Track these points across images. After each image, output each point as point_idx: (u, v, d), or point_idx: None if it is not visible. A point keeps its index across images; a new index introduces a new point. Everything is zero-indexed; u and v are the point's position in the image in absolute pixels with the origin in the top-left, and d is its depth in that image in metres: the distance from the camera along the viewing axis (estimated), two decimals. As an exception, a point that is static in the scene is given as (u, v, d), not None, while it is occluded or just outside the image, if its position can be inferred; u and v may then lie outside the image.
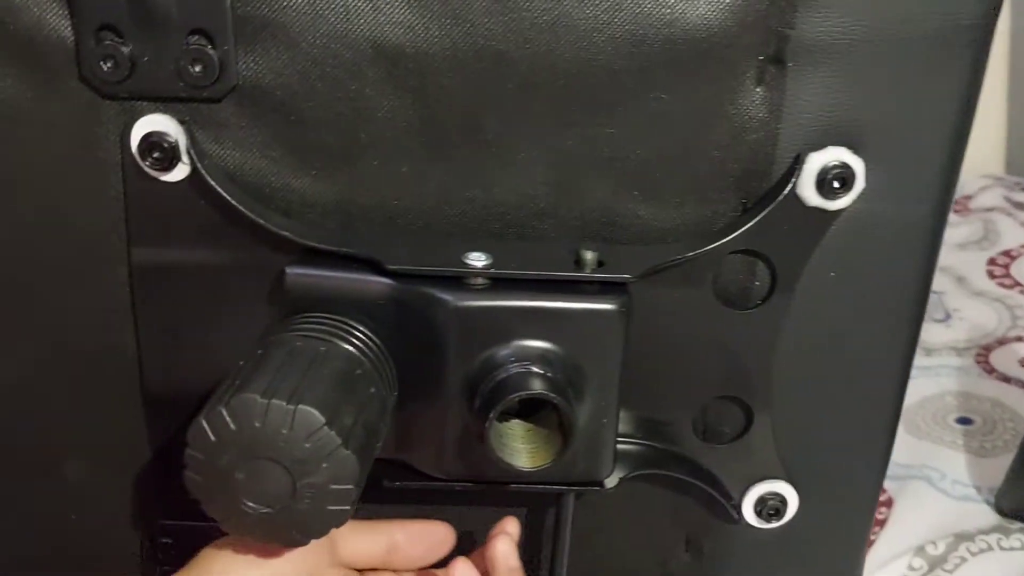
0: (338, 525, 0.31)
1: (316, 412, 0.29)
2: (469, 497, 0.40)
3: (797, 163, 0.36)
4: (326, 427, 0.29)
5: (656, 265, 0.36)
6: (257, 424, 0.29)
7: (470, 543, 0.41)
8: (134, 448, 0.41)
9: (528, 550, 0.43)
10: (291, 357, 0.31)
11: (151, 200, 0.36)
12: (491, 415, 0.33)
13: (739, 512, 0.42)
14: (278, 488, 0.30)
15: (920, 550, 0.55)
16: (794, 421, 0.42)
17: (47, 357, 0.39)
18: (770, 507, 0.42)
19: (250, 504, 0.30)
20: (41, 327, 0.39)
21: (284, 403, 0.29)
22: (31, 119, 0.35)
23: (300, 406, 0.29)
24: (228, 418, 0.29)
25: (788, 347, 0.40)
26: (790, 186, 0.36)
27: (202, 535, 0.42)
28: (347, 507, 0.30)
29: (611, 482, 0.39)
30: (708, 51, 0.35)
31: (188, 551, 0.42)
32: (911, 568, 0.56)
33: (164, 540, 0.43)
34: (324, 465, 0.30)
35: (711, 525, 0.44)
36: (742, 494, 0.42)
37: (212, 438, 0.30)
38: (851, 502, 0.44)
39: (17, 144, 0.36)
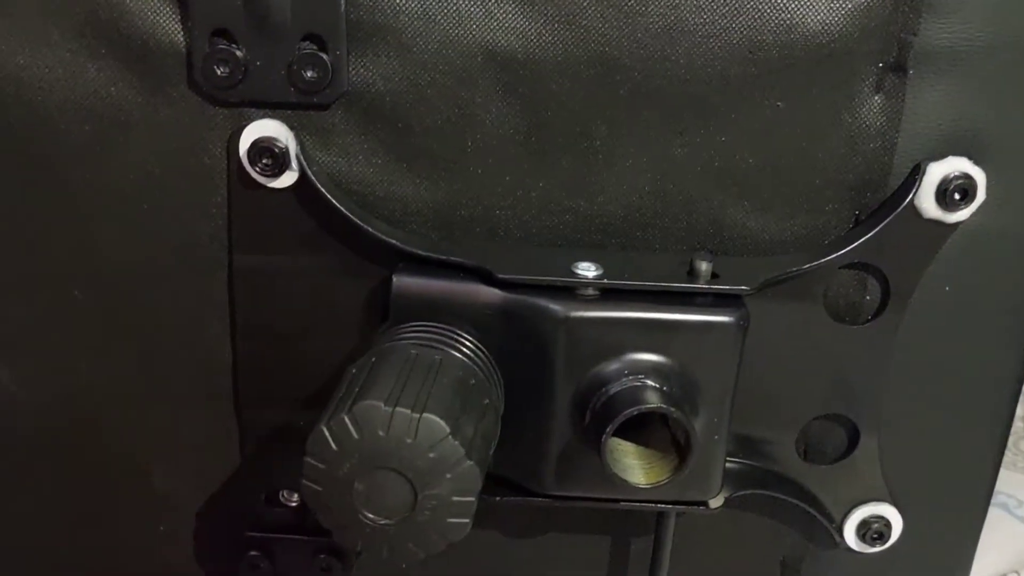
0: (457, 539, 0.30)
1: (441, 421, 0.28)
2: (564, 514, 0.39)
3: (916, 173, 0.35)
4: (450, 437, 0.28)
5: (771, 278, 0.35)
6: (380, 433, 0.28)
7: None
8: (224, 458, 0.40)
9: (619, 571, 0.42)
10: (409, 365, 0.31)
11: (256, 206, 0.36)
12: (608, 430, 0.32)
13: (840, 535, 0.41)
14: (398, 500, 0.29)
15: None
16: (900, 441, 0.40)
17: (141, 362, 0.39)
18: (874, 531, 0.41)
19: (369, 516, 0.29)
20: (137, 331, 0.38)
21: (409, 411, 0.28)
22: (139, 124, 0.35)
23: (425, 415, 0.28)
24: (351, 426, 0.28)
25: (897, 364, 0.39)
26: (909, 197, 0.35)
27: (290, 547, 0.42)
28: (467, 520, 0.29)
29: (716, 502, 0.37)
30: (827, 57, 0.34)
31: (275, 564, 0.42)
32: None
33: (252, 553, 0.42)
34: (447, 476, 0.29)
35: (808, 548, 0.42)
36: (844, 516, 0.41)
37: (333, 446, 0.29)
38: (955, 527, 0.43)
39: (124, 148, 0.35)
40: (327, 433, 0.29)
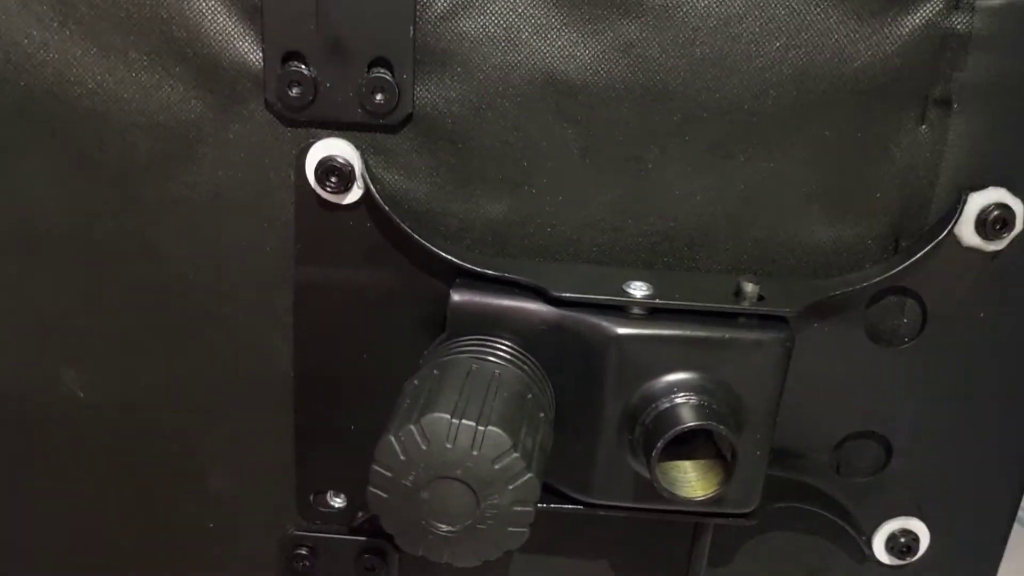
0: (515, 547, 0.31)
1: (504, 435, 0.30)
2: (599, 522, 0.41)
3: (958, 203, 0.37)
4: (512, 450, 0.30)
5: (815, 300, 0.36)
6: (447, 444, 0.30)
7: None
8: (275, 459, 0.42)
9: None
10: (470, 379, 0.32)
11: (321, 223, 0.37)
12: (659, 445, 0.33)
13: (869, 548, 0.42)
14: (462, 509, 0.30)
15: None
16: (931, 458, 0.42)
17: (203, 370, 0.40)
18: (902, 544, 0.42)
19: (433, 523, 0.31)
20: (200, 341, 0.40)
21: (474, 424, 0.30)
22: (209, 140, 0.37)
23: (489, 428, 0.30)
24: (418, 437, 0.30)
25: (930, 384, 0.40)
26: (949, 226, 0.37)
27: (334, 547, 0.43)
28: (525, 529, 0.31)
29: (755, 515, 0.39)
30: (875, 90, 0.36)
31: (320, 562, 0.43)
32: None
33: (297, 551, 0.43)
34: (509, 487, 0.30)
35: (835, 560, 0.44)
36: (874, 530, 0.42)
37: (401, 456, 0.30)
38: (980, 542, 0.44)
39: (193, 164, 0.37)
40: (395, 443, 0.30)
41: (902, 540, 0.42)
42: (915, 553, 0.42)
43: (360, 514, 0.42)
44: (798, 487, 0.41)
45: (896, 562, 0.43)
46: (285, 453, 0.42)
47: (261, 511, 0.43)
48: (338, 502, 0.43)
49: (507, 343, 0.35)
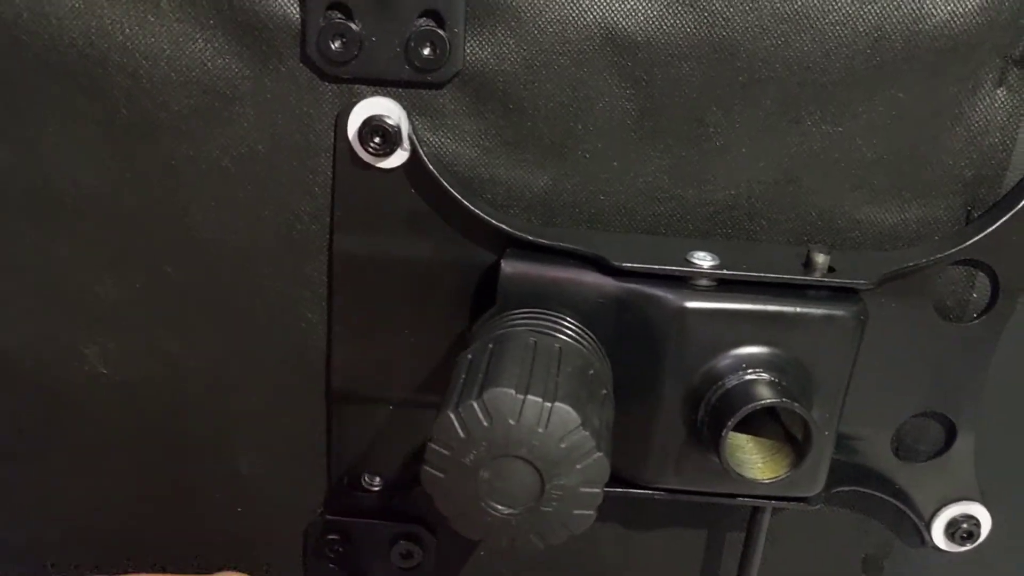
0: (580, 530, 0.29)
1: (573, 411, 0.28)
2: (653, 505, 0.39)
3: (1036, 170, 0.35)
4: (581, 427, 0.28)
5: (888, 273, 0.34)
6: (511, 421, 0.28)
7: None
8: (309, 440, 0.40)
9: (706, 564, 0.42)
10: (531, 353, 0.30)
11: (362, 187, 0.35)
12: (728, 424, 0.31)
13: (929, 533, 0.41)
14: (524, 490, 0.28)
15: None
16: (994, 440, 0.40)
17: (233, 345, 0.38)
18: (963, 530, 0.40)
19: (493, 505, 0.29)
20: (231, 313, 0.37)
21: (540, 400, 0.28)
22: (245, 98, 0.34)
23: (557, 404, 0.28)
24: (480, 412, 0.28)
25: (1000, 362, 0.38)
26: (1027, 195, 0.35)
27: (369, 532, 0.41)
28: (592, 512, 0.29)
29: (817, 499, 0.37)
30: (952, 49, 0.34)
31: (353, 548, 0.41)
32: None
33: (330, 536, 0.41)
34: (577, 467, 0.28)
35: (893, 546, 0.42)
36: (933, 515, 0.40)
37: (461, 433, 0.28)
38: (1043, 528, 0.42)
39: (228, 123, 0.35)
40: (455, 420, 0.28)
41: (963, 526, 0.40)
42: (976, 539, 0.41)
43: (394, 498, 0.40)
44: (856, 470, 0.40)
45: (956, 548, 0.41)
46: (318, 433, 0.40)
47: (292, 494, 0.41)
48: (375, 484, 0.41)
49: (562, 316, 0.33)
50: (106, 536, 0.41)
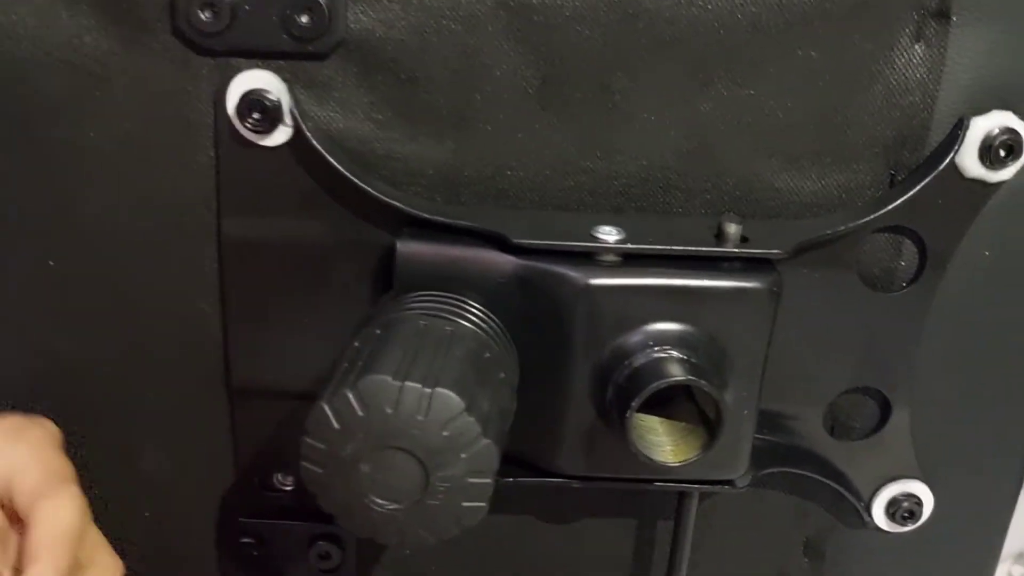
0: (472, 523, 0.27)
1: (456, 396, 0.26)
2: (579, 494, 0.37)
3: (959, 129, 0.33)
4: (465, 413, 0.26)
5: (804, 242, 0.33)
6: (388, 409, 0.26)
7: None
8: (214, 439, 0.38)
9: (638, 554, 0.40)
10: (419, 338, 0.28)
11: (246, 167, 0.33)
12: (632, 405, 0.30)
13: (869, 514, 0.39)
14: (408, 482, 0.27)
15: (1021, 557, 0.52)
16: (933, 415, 0.38)
17: (127, 338, 0.36)
18: (904, 510, 0.39)
19: (376, 500, 0.27)
20: (120, 305, 0.36)
21: (420, 386, 0.26)
22: (118, 76, 0.32)
23: (437, 389, 0.26)
24: (355, 402, 0.26)
25: (931, 333, 0.36)
26: (950, 155, 0.33)
27: (285, 534, 0.39)
28: (483, 504, 0.27)
29: (743, 481, 0.35)
30: (864, 4, 0.32)
31: (269, 551, 0.40)
32: (1011, 576, 0.53)
33: (244, 539, 0.39)
34: (462, 456, 0.26)
35: (834, 528, 0.40)
36: (873, 495, 0.39)
37: (335, 425, 0.26)
38: (988, 503, 0.41)
39: (101, 103, 0.33)
40: (328, 410, 0.26)
41: (904, 504, 0.39)
42: (918, 518, 0.39)
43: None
44: (788, 450, 0.38)
45: (897, 528, 0.39)
46: (223, 430, 0.38)
47: (203, 497, 0.39)
48: (287, 484, 0.39)
49: (461, 298, 0.31)
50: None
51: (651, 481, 0.34)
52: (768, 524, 0.40)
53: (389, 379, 0.26)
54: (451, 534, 0.28)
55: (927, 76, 0.33)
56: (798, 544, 0.41)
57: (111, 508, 0.39)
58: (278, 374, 0.36)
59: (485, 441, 0.26)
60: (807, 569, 0.41)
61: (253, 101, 0.31)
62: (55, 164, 0.34)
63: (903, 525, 0.39)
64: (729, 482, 0.35)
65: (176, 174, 0.34)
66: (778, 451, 0.38)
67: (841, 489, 0.38)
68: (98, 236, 0.34)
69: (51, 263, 0.35)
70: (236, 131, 0.32)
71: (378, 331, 0.29)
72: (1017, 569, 0.52)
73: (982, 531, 0.41)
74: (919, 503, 0.39)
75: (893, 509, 0.39)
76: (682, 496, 0.36)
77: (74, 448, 0.38)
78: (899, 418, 0.37)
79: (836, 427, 0.38)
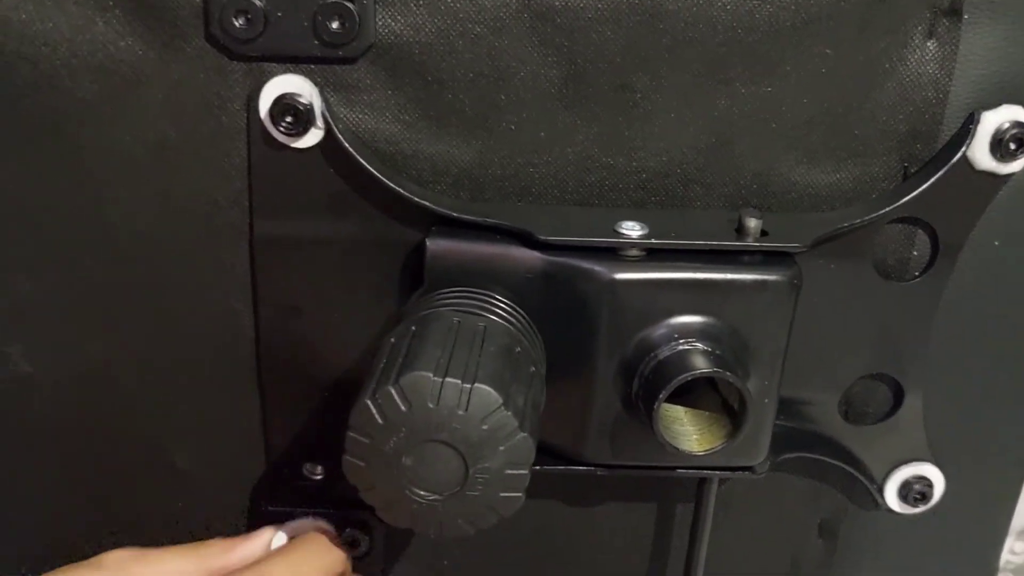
0: (509, 513, 0.28)
1: (494, 392, 0.27)
2: (601, 481, 0.38)
3: (970, 123, 0.34)
4: (503, 408, 0.27)
5: (823, 235, 0.34)
6: (430, 404, 0.27)
7: None
8: (245, 431, 0.39)
9: (659, 538, 0.41)
10: (453, 334, 0.29)
11: (279, 168, 0.33)
12: (660, 396, 0.31)
13: (882, 496, 0.40)
14: (448, 474, 0.28)
15: (1021, 534, 0.53)
16: (944, 400, 0.39)
17: (159, 338, 0.37)
18: (916, 492, 0.40)
19: (417, 492, 0.28)
20: (153, 305, 0.36)
21: (459, 382, 0.27)
22: (151, 81, 0.33)
23: (476, 385, 0.27)
24: (398, 398, 0.27)
25: (942, 321, 0.37)
26: (962, 149, 0.34)
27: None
28: (520, 494, 0.28)
29: (762, 467, 0.36)
30: (878, 2, 0.33)
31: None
32: (1013, 552, 0.54)
33: (273, 529, 0.40)
34: (500, 448, 0.27)
35: (847, 510, 0.42)
36: (885, 477, 0.40)
37: (379, 420, 0.27)
38: (997, 486, 0.42)
39: (135, 108, 0.33)
40: (372, 406, 0.27)
41: (916, 487, 0.40)
42: (929, 500, 0.40)
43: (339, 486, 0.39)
44: (804, 436, 0.39)
45: (910, 510, 0.40)
46: (254, 424, 0.39)
47: (233, 487, 0.40)
48: (316, 473, 0.40)
49: (490, 293, 0.32)
50: (41, 539, 0.40)
51: (674, 468, 0.35)
52: (784, 507, 0.41)
53: (430, 375, 0.27)
54: (489, 524, 0.29)
55: (939, 72, 0.34)
56: (813, 526, 0.42)
57: (142, 500, 0.40)
58: (308, 369, 0.37)
59: (522, 434, 0.27)
60: (821, 550, 0.43)
61: (286, 105, 0.32)
62: (88, 168, 0.34)
63: (915, 507, 0.40)
64: (749, 468, 0.36)
65: (209, 176, 0.34)
66: (795, 436, 0.39)
67: (855, 472, 0.39)
68: (131, 238, 0.35)
69: (86, 264, 0.36)
70: (269, 134, 0.33)
71: (413, 327, 0.30)
72: (1019, 545, 0.53)
73: (990, 512, 0.43)
74: (930, 485, 0.40)
75: (905, 491, 0.40)
76: (702, 482, 0.37)
77: (107, 443, 0.39)
78: (912, 403, 0.39)
79: (850, 412, 0.39)
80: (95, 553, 0.36)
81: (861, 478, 0.39)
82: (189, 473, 0.40)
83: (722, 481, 0.38)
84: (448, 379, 0.27)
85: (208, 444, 0.39)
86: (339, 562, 0.36)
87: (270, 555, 0.35)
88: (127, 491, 0.40)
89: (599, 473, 0.35)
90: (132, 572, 0.34)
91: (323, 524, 0.38)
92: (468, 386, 0.27)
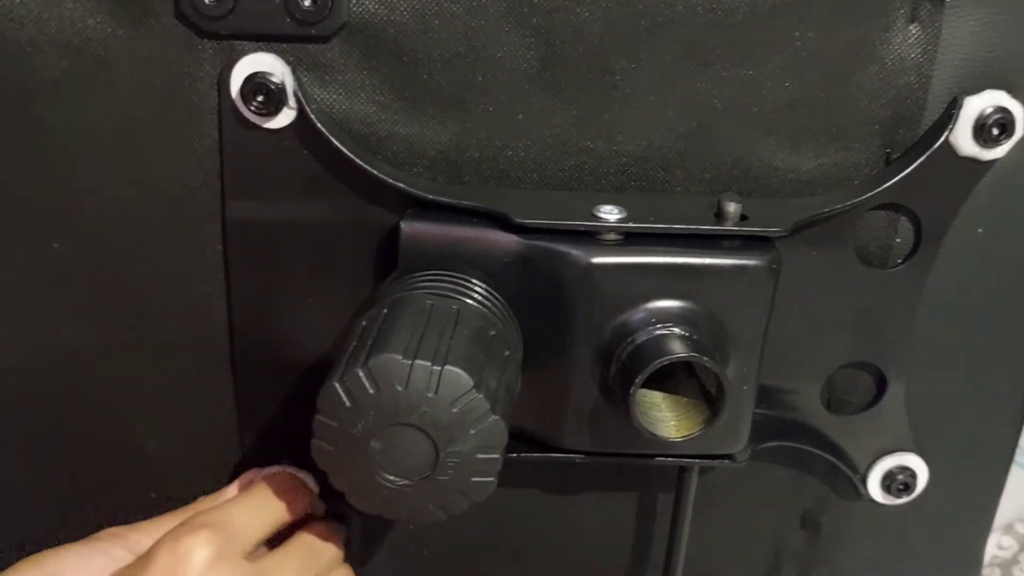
0: (481, 498, 0.28)
1: (464, 374, 0.26)
2: (581, 468, 0.38)
3: (952, 108, 0.34)
4: (474, 390, 0.26)
5: (804, 219, 0.33)
6: (399, 387, 0.26)
7: None
8: (220, 419, 0.38)
9: (639, 527, 0.41)
10: (425, 316, 0.29)
11: (250, 149, 0.33)
12: (636, 381, 0.30)
13: (864, 486, 0.40)
14: (418, 458, 0.27)
15: (1009, 528, 0.53)
16: (928, 389, 0.39)
17: (130, 323, 0.36)
18: (899, 482, 0.40)
19: (387, 476, 0.27)
20: (124, 290, 0.36)
21: (429, 364, 0.26)
22: (121, 59, 0.32)
23: (447, 367, 0.26)
24: (366, 380, 0.26)
25: (926, 309, 0.37)
26: (944, 134, 0.34)
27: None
28: (492, 479, 0.28)
29: (742, 455, 0.36)
30: (861, -17, 0.32)
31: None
32: (1000, 547, 0.54)
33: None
34: (471, 432, 0.27)
35: (830, 500, 0.41)
36: (868, 467, 0.39)
37: (347, 403, 0.27)
38: (981, 477, 0.42)
39: (104, 87, 0.33)
40: (340, 389, 0.27)
41: (899, 477, 0.40)
42: (912, 491, 0.40)
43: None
44: (786, 424, 0.38)
45: (893, 500, 0.40)
46: (228, 412, 0.38)
47: (207, 477, 0.39)
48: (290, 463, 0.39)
49: (465, 276, 0.32)
50: (12, 524, 0.40)
51: (653, 456, 0.35)
52: (766, 497, 0.41)
53: (399, 357, 0.26)
54: (460, 509, 0.28)
55: (922, 56, 0.34)
56: (795, 516, 0.42)
57: (115, 489, 0.40)
58: (282, 355, 0.36)
59: (494, 417, 0.27)
60: (803, 541, 0.42)
61: (257, 84, 0.31)
62: (57, 147, 0.34)
63: (898, 497, 0.40)
64: (729, 456, 0.36)
65: (179, 157, 0.34)
66: (776, 425, 0.38)
67: (838, 462, 0.39)
68: (100, 219, 0.34)
69: (55, 247, 0.35)
70: (240, 114, 0.32)
71: (385, 310, 0.29)
72: (1006, 540, 0.53)
73: (975, 503, 0.42)
74: (914, 476, 0.40)
75: (888, 482, 0.40)
76: (682, 470, 0.37)
77: (78, 430, 0.38)
78: (894, 392, 0.38)
79: (833, 401, 0.39)
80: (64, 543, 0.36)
81: (844, 468, 0.39)
82: (162, 462, 0.39)
83: (703, 470, 0.38)
84: (418, 361, 0.26)
85: (180, 429, 0.38)
86: (303, 500, 0.36)
87: (237, 495, 0.36)
88: (101, 483, 0.39)
89: (577, 461, 0.35)
90: (129, 538, 0.34)
91: (300, 473, 0.38)
92: (438, 368, 0.26)
